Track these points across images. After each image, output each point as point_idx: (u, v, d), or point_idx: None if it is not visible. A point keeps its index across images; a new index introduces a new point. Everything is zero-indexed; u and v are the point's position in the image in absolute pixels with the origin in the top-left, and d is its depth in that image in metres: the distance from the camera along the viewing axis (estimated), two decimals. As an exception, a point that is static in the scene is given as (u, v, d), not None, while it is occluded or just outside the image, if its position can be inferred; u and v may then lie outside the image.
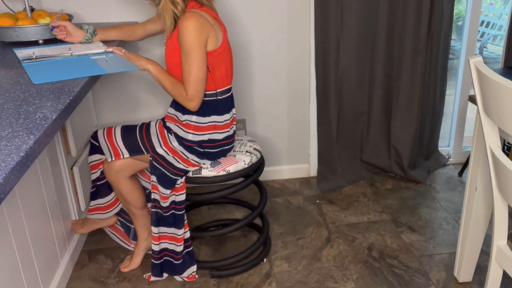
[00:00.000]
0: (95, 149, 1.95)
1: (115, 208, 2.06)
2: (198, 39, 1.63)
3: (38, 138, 1.03)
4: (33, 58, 1.67)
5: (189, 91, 1.69)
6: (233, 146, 1.94)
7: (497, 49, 5.01)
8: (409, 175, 2.64)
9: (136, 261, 2.02)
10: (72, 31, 1.85)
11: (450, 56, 2.64)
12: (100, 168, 1.97)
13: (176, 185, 1.81)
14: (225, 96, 1.81)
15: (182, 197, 1.83)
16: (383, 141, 2.67)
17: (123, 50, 1.75)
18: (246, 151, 1.93)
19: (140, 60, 1.72)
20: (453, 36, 2.59)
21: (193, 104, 1.71)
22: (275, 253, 2.11)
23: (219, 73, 1.74)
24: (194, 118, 1.78)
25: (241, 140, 2.03)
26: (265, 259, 2.06)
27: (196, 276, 1.96)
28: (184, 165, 1.81)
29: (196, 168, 1.83)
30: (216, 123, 1.80)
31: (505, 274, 1.50)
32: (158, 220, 1.86)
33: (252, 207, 2.26)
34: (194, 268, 1.94)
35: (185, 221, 1.87)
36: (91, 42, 1.89)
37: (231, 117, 1.86)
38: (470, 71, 1.38)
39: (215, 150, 1.84)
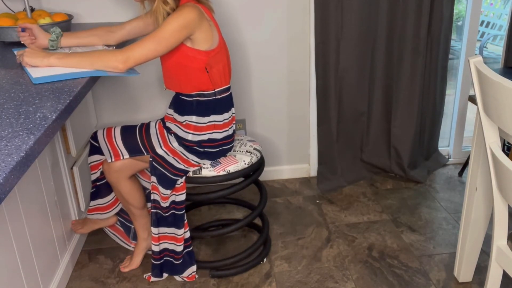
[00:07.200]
0: (95, 149, 1.94)
1: (115, 208, 2.06)
2: (184, 22, 1.58)
3: (38, 138, 1.03)
4: None
5: (130, 55, 1.54)
6: (233, 146, 1.94)
7: (497, 49, 5.01)
8: (409, 175, 2.64)
9: (136, 261, 2.02)
10: (39, 33, 1.72)
11: (450, 56, 2.63)
12: (100, 169, 1.97)
13: (176, 185, 1.81)
14: (224, 95, 1.80)
15: (182, 197, 1.83)
16: (383, 141, 2.67)
17: (26, 51, 1.55)
18: (246, 151, 1.93)
19: (39, 60, 1.52)
20: (453, 36, 2.59)
21: (122, 66, 1.54)
22: (275, 253, 2.11)
23: (217, 71, 1.73)
24: (194, 118, 1.77)
25: (241, 140, 2.03)
26: (265, 259, 2.06)
27: (196, 276, 1.96)
28: (184, 166, 1.81)
29: (196, 168, 1.83)
30: (216, 123, 1.80)
31: (505, 274, 1.50)
32: (158, 220, 1.86)
33: (252, 207, 2.25)
34: (194, 268, 1.94)
35: (185, 221, 1.87)
36: (58, 46, 1.76)
37: (230, 116, 1.85)
38: (470, 71, 1.38)
39: (215, 150, 1.84)
